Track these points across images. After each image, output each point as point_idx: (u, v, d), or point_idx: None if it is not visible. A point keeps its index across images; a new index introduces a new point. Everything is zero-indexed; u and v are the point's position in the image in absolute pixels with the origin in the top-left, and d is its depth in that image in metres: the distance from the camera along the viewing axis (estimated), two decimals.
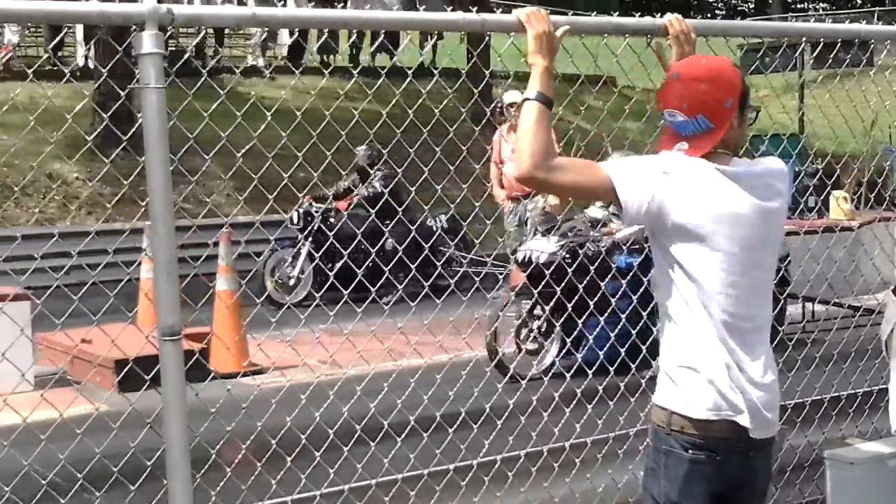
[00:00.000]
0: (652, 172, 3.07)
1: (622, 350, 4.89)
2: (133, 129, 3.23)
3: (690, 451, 3.14)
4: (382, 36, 15.61)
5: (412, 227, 10.48)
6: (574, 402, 4.91)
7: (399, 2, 20.86)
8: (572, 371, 5.01)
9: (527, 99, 3.14)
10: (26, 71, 8.27)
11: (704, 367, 3.12)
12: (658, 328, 3.31)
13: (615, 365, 4.88)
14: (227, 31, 18.89)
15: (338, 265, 9.10)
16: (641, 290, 6.08)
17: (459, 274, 9.55)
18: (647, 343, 4.82)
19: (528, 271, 8.33)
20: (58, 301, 3.95)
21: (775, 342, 4.87)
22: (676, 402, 3.17)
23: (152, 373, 4.25)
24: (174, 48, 19.47)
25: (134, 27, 2.90)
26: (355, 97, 14.86)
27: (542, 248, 8.65)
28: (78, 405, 5.67)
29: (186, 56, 4.86)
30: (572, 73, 4.16)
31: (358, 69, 4.11)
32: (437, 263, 9.06)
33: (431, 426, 4.46)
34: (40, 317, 7.51)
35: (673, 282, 3.14)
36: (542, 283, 6.22)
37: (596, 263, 6.03)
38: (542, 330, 8.55)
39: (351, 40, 17.78)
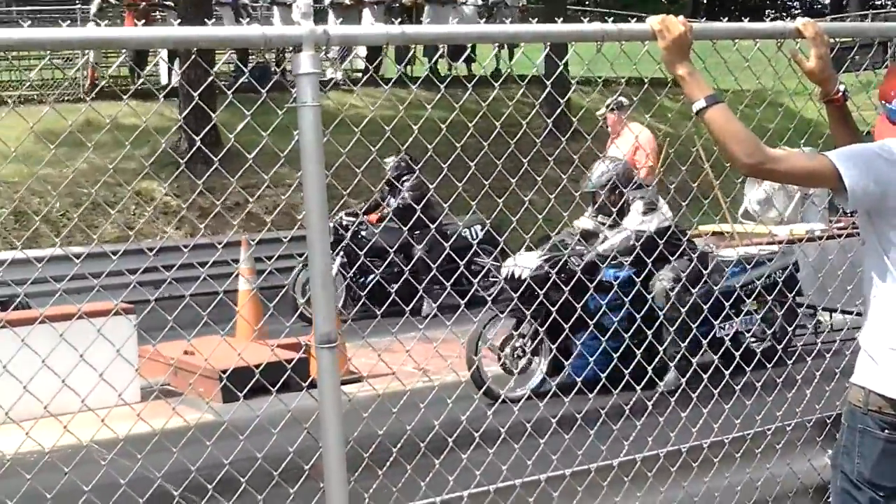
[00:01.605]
0: (874, 157, 3.18)
1: (616, 366, 4.71)
2: (226, 146, 3.29)
3: (886, 430, 3.22)
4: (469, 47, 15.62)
5: (439, 239, 10.28)
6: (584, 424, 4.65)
7: (475, 11, 21.00)
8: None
9: (700, 111, 3.22)
10: (116, 91, 8.55)
11: None
12: (861, 308, 3.39)
13: (596, 384, 4.63)
14: None
15: (370, 279, 9.12)
16: (637, 304, 5.97)
17: (499, 286, 9.38)
18: (634, 359, 4.67)
19: (513, 287, 7.93)
20: (154, 315, 3.99)
21: (794, 357, 4.84)
22: (876, 382, 3.24)
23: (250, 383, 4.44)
24: (254, 63, 19.80)
25: (291, 48, 3.00)
26: (426, 105, 14.88)
27: (525, 263, 8.28)
28: (185, 414, 5.74)
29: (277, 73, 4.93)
30: (658, 78, 4.21)
31: (441, 79, 4.15)
32: (471, 276, 8.89)
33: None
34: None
35: (886, 263, 3.23)
36: (527, 298, 6.14)
37: (583, 277, 5.87)
38: (528, 347, 8.23)
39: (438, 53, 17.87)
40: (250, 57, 19.09)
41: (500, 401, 7.16)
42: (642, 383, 4.75)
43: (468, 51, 17.30)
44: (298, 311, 10.71)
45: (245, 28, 3.05)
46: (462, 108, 3.70)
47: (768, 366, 4.96)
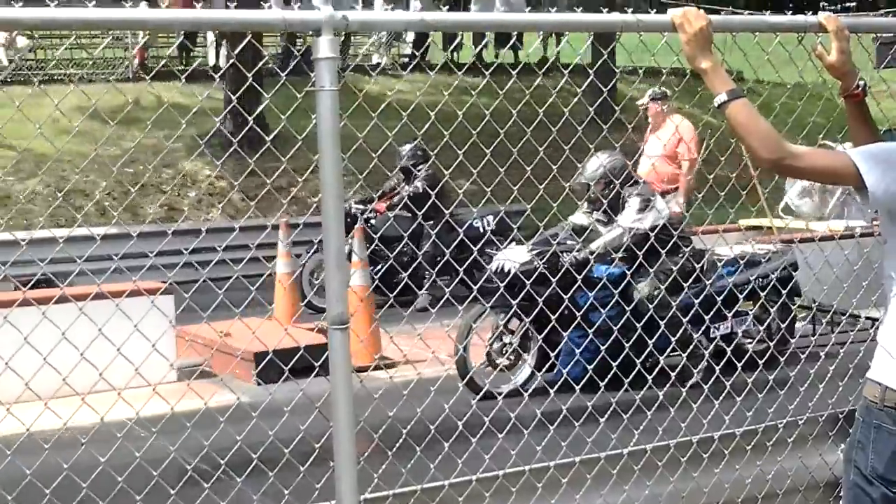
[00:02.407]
0: (894, 155, 3.16)
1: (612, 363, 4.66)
2: (277, 129, 3.36)
3: None
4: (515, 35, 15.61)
5: (454, 225, 10.26)
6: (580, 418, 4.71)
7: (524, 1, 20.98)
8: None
9: (722, 104, 3.22)
10: (165, 71, 8.64)
11: None
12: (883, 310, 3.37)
13: (582, 379, 4.66)
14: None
15: (379, 268, 8.99)
16: (628, 301, 5.90)
17: (510, 276, 9.28)
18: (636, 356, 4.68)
19: (501, 281, 7.50)
20: (196, 295, 4.05)
21: (786, 356, 4.81)
22: (893, 378, 3.24)
23: (290, 364, 4.51)
24: (305, 47, 19.90)
25: (311, 33, 3.05)
26: (474, 93, 14.88)
27: (514, 257, 8.13)
28: (220, 396, 5.84)
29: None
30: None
31: (486, 65, 4.17)
32: (485, 266, 8.74)
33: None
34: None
35: None
36: (516, 293, 5.87)
37: (573, 273, 5.72)
38: (516, 343, 8.07)
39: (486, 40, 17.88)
40: (297, 40, 19.14)
41: (480, 395, 7.13)
42: (636, 380, 4.60)
43: (514, 39, 17.34)
44: (306, 300, 10.72)
45: (265, 12, 3.11)
46: (506, 96, 3.74)
47: (783, 361, 4.96)
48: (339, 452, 3.26)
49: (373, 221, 11.52)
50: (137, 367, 4.03)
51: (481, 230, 11.49)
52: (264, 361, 8.06)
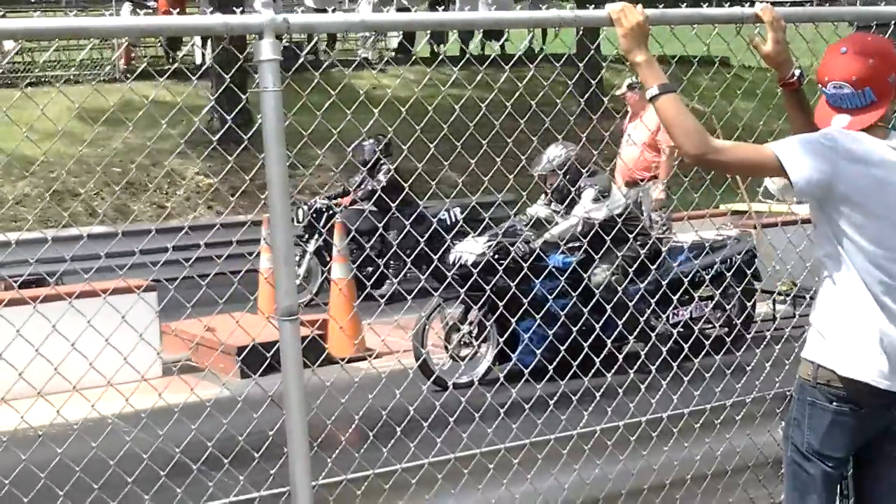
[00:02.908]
0: (818, 147, 3.26)
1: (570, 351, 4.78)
2: (254, 128, 3.48)
3: (834, 403, 3.34)
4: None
5: (419, 222, 10.07)
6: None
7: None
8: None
9: (653, 97, 3.34)
10: (151, 71, 8.68)
11: (856, 329, 3.31)
12: (814, 288, 3.50)
13: (542, 371, 4.81)
14: None
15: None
16: (585, 291, 5.89)
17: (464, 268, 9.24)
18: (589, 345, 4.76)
19: (459, 274, 7.75)
20: (181, 291, 4.19)
21: (746, 342, 4.87)
22: (824, 357, 3.37)
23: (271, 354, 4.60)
24: (287, 44, 19.99)
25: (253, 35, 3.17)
26: (464, 86, 14.92)
27: (470, 248, 8.23)
28: (203, 389, 5.95)
29: (302, 57, 5.10)
30: (687, 56, 4.31)
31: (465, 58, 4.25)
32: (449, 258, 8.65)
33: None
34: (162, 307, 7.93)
35: (835, 247, 3.33)
36: (469, 285, 6.01)
37: (528, 263, 5.57)
38: (474, 334, 8.12)
39: (454, 36, 17.95)
40: (282, 40, 19.24)
41: (429, 383, 7.28)
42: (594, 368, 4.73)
43: (507, 34, 17.35)
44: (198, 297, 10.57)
45: (208, 17, 3.22)
46: (491, 88, 3.82)
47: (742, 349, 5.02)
48: (291, 440, 3.37)
49: (338, 216, 11.34)
50: (126, 356, 4.13)
51: (448, 222, 11.44)
52: (244, 353, 8.21)
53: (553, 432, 4.20)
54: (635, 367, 5.06)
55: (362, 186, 11.88)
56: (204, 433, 4.23)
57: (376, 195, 10.05)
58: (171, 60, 19.40)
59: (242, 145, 3.83)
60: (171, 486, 4.01)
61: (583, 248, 8.01)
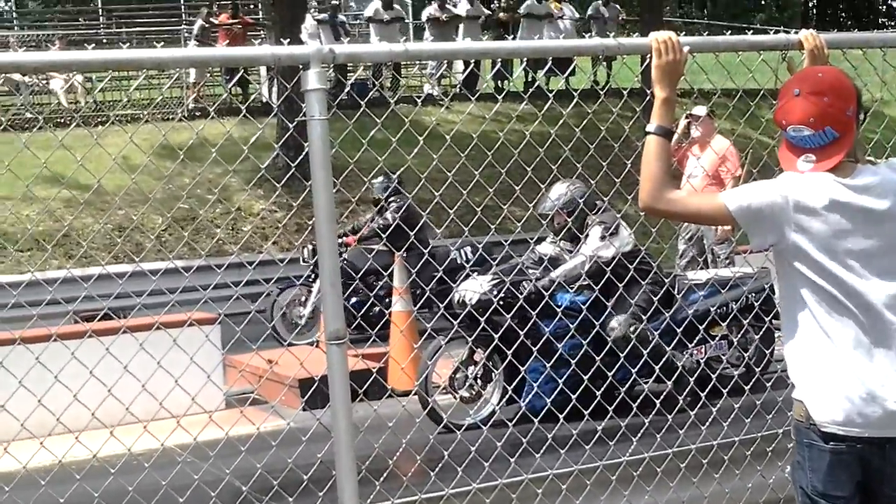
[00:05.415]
0: (770, 196, 3.21)
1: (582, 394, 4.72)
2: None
3: (831, 442, 3.25)
4: (550, 61, 15.75)
5: (429, 262, 9.55)
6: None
7: (573, 25, 21.11)
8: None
9: (647, 133, 3.37)
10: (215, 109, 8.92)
11: (830, 379, 3.23)
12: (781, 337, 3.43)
13: (549, 414, 4.72)
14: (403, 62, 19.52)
15: (352, 302, 8.75)
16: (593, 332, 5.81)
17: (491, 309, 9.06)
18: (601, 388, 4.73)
19: (461, 312, 7.22)
20: (239, 326, 4.24)
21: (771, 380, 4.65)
22: (810, 401, 3.28)
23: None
24: (354, 79, 20.22)
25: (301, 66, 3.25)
26: (527, 119, 14.91)
27: (473, 288, 7.96)
28: (269, 422, 6.03)
29: (373, 90, 5.19)
30: (752, 88, 4.32)
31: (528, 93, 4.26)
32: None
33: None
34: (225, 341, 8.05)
35: (797, 295, 3.27)
36: (472, 324, 5.93)
37: (532, 303, 5.56)
38: (480, 376, 7.90)
39: (523, 65, 18.01)
40: (348, 73, 19.43)
41: (441, 425, 7.15)
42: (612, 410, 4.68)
43: (573, 65, 17.43)
44: (267, 332, 10.59)
45: (256, 49, 3.31)
46: (557, 121, 3.83)
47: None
48: (340, 464, 3.42)
49: (343, 255, 11.26)
50: (194, 396, 4.20)
51: (458, 262, 11.30)
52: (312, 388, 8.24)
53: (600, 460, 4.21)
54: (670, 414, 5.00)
55: (371, 225, 11.71)
56: (267, 465, 4.31)
57: (387, 231, 9.89)
58: (242, 99, 19.78)
59: (301, 178, 3.89)
60: None
61: (591, 288, 7.61)
